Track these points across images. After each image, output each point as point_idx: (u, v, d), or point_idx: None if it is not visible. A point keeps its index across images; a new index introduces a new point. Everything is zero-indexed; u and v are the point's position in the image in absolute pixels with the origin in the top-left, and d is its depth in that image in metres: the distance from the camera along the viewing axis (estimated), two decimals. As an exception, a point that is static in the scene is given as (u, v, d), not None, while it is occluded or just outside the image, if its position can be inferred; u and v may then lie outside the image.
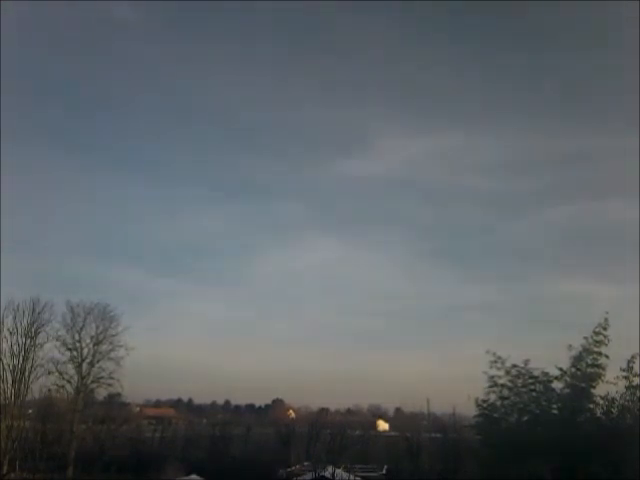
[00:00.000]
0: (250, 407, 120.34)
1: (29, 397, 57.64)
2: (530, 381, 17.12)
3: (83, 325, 57.56)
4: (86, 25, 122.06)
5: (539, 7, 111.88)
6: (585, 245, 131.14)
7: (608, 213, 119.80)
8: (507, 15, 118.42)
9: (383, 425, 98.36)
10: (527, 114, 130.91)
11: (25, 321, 55.53)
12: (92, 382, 57.87)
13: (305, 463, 59.73)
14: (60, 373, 56.66)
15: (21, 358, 55.00)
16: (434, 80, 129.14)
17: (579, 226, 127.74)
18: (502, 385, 17.37)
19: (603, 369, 16.56)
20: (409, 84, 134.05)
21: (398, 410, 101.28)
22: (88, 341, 57.48)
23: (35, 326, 55.79)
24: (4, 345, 54.70)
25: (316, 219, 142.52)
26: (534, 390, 17.14)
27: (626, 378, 16.26)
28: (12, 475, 51.16)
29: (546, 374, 17.01)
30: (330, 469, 52.39)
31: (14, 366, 54.62)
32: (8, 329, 54.80)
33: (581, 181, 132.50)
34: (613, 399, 16.63)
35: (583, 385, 16.65)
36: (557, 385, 17.02)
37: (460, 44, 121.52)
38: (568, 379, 16.80)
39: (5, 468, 50.80)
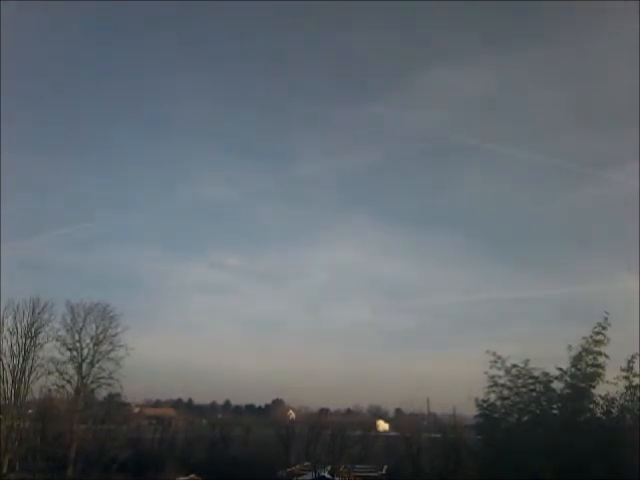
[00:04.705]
0: (250, 407, 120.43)
1: (29, 397, 57.43)
2: (530, 381, 17.13)
3: (83, 325, 57.49)
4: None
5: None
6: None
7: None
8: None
9: (383, 425, 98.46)
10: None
11: (25, 321, 55.42)
12: (92, 382, 57.80)
13: (305, 463, 59.77)
14: (60, 373, 56.55)
15: (21, 358, 54.92)
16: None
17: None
18: (502, 385, 17.37)
19: (603, 369, 16.57)
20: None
21: (398, 410, 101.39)
22: (88, 341, 57.43)
23: (35, 326, 55.69)
24: (4, 345, 54.65)
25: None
26: (534, 390, 17.15)
27: (626, 378, 16.27)
28: (12, 475, 51.10)
29: (546, 374, 17.03)
30: (330, 469, 52.43)
31: (14, 366, 54.53)
32: (8, 329, 54.77)
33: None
34: (613, 399, 16.64)
35: (583, 385, 16.65)
36: (557, 385, 17.04)
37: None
38: (568, 379, 16.81)
39: (5, 468, 50.71)
